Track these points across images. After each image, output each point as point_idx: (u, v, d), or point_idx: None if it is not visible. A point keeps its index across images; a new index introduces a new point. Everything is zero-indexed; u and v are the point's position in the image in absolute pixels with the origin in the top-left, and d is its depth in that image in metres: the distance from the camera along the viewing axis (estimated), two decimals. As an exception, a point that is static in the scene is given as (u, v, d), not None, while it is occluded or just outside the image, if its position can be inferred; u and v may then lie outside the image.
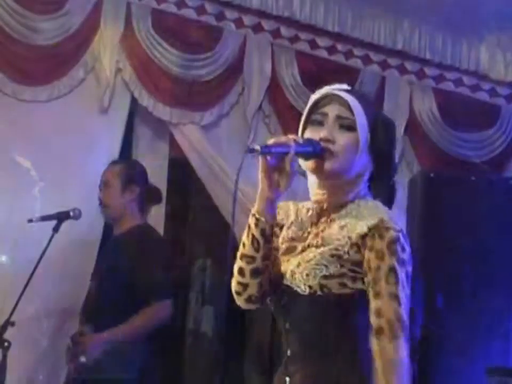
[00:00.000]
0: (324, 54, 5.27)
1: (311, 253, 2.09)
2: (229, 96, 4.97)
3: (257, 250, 2.08)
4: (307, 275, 2.06)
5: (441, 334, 4.55)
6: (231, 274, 2.15)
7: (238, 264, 2.12)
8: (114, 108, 4.65)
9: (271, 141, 2.05)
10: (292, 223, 2.21)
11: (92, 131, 4.60)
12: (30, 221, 3.94)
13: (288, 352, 2.12)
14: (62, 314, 4.32)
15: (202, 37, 4.91)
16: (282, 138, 2.07)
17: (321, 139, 2.08)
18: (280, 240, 2.19)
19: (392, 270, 2.04)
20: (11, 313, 3.76)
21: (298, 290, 2.07)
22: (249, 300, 2.15)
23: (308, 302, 2.07)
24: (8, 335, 3.71)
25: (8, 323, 3.72)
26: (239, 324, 5.16)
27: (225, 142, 4.98)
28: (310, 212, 2.19)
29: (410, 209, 5.00)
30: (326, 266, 2.05)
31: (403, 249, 2.06)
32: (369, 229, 2.06)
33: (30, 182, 4.38)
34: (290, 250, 2.15)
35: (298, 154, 2.06)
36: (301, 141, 2.07)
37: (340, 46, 5.32)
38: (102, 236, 4.46)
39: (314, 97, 2.17)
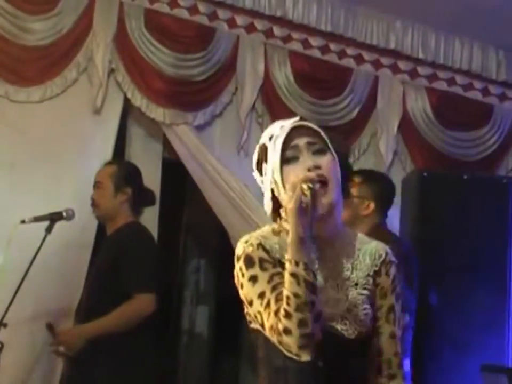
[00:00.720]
0: (316, 53, 5.28)
1: (353, 298, 2.12)
2: (222, 96, 4.97)
3: (314, 292, 1.99)
4: (361, 321, 2.10)
5: (435, 331, 4.56)
6: (288, 332, 2.00)
7: (296, 317, 1.97)
8: (107, 108, 4.64)
9: (304, 179, 2.06)
10: None
11: (85, 131, 4.59)
12: (23, 221, 3.93)
13: None
14: (55, 315, 4.30)
15: (195, 37, 4.90)
16: (307, 174, 2.08)
17: (310, 168, 2.09)
18: None
19: (391, 309, 2.18)
20: (4, 315, 3.75)
21: (346, 334, 2.09)
22: (315, 346, 2.02)
23: (347, 343, 2.09)
24: (1, 336, 3.70)
25: (1, 324, 3.71)
26: (233, 324, 5.15)
27: (219, 142, 4.98)
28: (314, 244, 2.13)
29: (403, 208, 5.02)
30: (369, 309, 2.13)
31: (399, 281, 2.21)
32: (380, 265, 2.18)
33: (23, 183, 4.37)
34: (321, 289, 2.08)
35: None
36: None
37: (332, 46, 5.33)
38: (95, 237, 4.45)
39: (281, 135, 2.14)
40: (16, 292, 3.83)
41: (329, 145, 2.14)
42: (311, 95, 5.14)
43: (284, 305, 1.98)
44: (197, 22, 4.91)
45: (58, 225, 3.97)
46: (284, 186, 2.11)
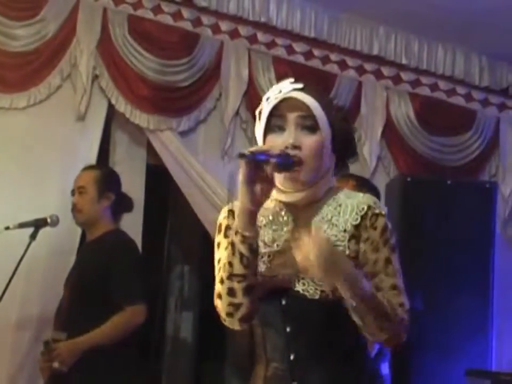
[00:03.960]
0: (300, 59, 5.29)
1: None
2: (206, 102, 4.97)
3: (247, 267, 1.98)
4: (320, 280, 2.02)
5: (420, 336, 4.57)
6: (219, 296, 2.05)
7: (226, 285, 2.01)
8: (91, 114, 4.63)
9: (252, 148, 1.98)
10: (266, 224, 2.14)
11: (69, 138, 4.58)
12: (7, 228, 3.92)
13: (292, 357, 2.06)
14: (39, 322, 4.29)
15: (179, 43, 4.91)
16: (264, 147, 2.03)
17: (288, 146, 2.04)
18: (260, 243, 2.08)
19: (388, 261, 2.08)
20: (-12, 321, 3.74)
21: (306, 294, 2.04)
22: (242, 319, 2.05)
23: (316, 305, 2.04)
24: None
25: (-15, 331, 3.70)
26: (218, 329, 5.15)
27: (203, 148, 4.98)
28: (284, 212, 2.13)
29: (387, 212, 5.02)
30: None
31: (391, 233, 2.11)
32: (362, 218, 2.07)
33: (7, 189, 4.36)
34: (281, 253, 2.08)
35: (278, 164, 2.00)
36: (276, 152, 2.00)
37: (316, 52, 5.34)
38: (79, 243, 4.44)
39: (271, 103, 2.10)
40: (0, 298, 3.81)
41: (320, 124, 2.07)
42: (295, 101, 5.15)
43: (221, 271, 2.02)
44: (181, 28, 4.92)
45: (43, 231, 3.96)
46: None
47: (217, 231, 2.17)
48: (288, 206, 2.12)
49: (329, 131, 2.10)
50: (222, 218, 2.17)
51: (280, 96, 2.09)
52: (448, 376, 4.58)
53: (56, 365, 3.74)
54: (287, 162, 2.01)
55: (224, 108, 5.00)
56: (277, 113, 2.09)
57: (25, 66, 4.51)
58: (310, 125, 2.07)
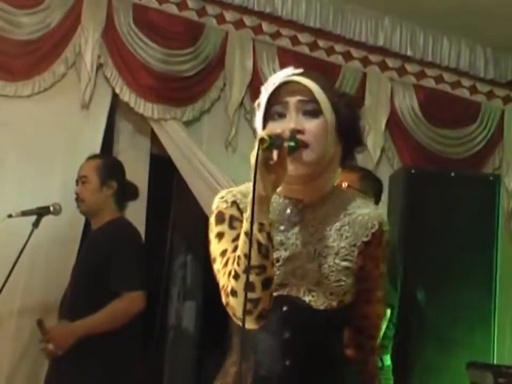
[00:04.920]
0: (305, 50, 5.29)
1: (327, 268, 1.99)
2: (211, 92, 4.97)
3: (266, 257, 1.87)
4: (331, 294, 1.98)
5: (422, 329, 4.58)
6: (234, 294, 1.91)
7: (243, 279, 1.86)
8: (96, 103, 4.63)
9: (266, 132, 1.87)
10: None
11: (73, 126, 4.58)
12: (10, 216, 3.92)
13: (287, 362, 1.99)
14: (42, 310, 4.30)
15: (184, 33, 4.90)
16: (276, 130, 1.89)
17: (290, 131, 1.93)
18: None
19: (383, 276, 2.11)
20: (-10, 309, 3.75)
21: (315, 306, 1.98)
22: (260, 316, 1.91)
23: (319, 314, 2.00)
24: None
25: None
26: (220, 319, 5.16)
27: (207, 137, 4.98)
28: (290, 210, 2.04)
29: (391, 205, 5.02)
30: (344, 281, 2.00)
31: (388, 244, 2.10)
32: (372, 235, 2.04)
33: (10, 177, 4.36)
34: (290, 259, 2.00)
35: (289, 147, 1.91)
36: (287, 134, 1.91)
37: (321, 42, 5.33)
38: (82, 232, 4.45)
39: (270, 88, 2.01)
40: (2, 286, 3.82)
41: (322, 108, 1.97)
42: (300, 92, 5.15)
43: (235, 265, 1.89)
44: (185, 18, 4.91)
45: (45, 219, 3.97)
46: None
47: (215, 220, 2.04)
48: (295, 204, 2.03)
49: (332, 116, 1.99)
50: (224, 207, 2.04)
51: (279, 81, 2.00)
52: (449, 368, 4.58)
53: (51, 347, 3.74)
54: (295, 145, 1.92)
55: (229, 98, 4.99)
56: (276, 99, 2.00)
57: (29, 55, 4.50)
58: (312, 109, 1.97)
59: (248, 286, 1.86)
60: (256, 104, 2.07)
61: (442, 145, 5.66)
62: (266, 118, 2.02)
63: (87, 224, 4.34)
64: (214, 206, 2.07)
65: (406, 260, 4.34)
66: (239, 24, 5.08)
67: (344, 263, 2.00)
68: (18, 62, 4.51)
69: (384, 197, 4.66)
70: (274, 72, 5.19)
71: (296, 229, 2.02)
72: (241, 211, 2.01)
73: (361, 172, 4.10)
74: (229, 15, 5.04)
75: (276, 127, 1.95)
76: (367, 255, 2.04)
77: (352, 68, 5.44)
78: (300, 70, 2.04)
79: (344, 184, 3.88)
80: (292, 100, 1.98)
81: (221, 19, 5.03)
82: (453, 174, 5.01)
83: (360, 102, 5.32)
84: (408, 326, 4.30)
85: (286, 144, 1.87)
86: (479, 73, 5.83)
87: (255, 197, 1.86)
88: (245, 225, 1.88)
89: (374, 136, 5.44)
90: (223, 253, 1.98)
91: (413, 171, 5.00)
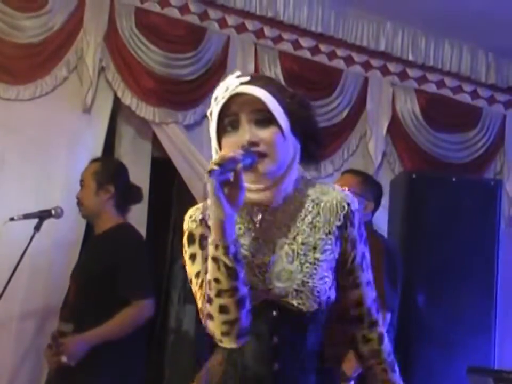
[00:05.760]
0: (307, 54, 5.30)
1: (310, 267, 1.97)
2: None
3: (236, 278, 1.87)
4: (318, 292, 1.96)
5: (423, 333, 4.58)
6: (210, 317, 1.91)
7: (216, 303, 1.88)
8: (97, 106, 4.64)
9: (217, 158, 1.86)
10: (245, 232, 2.03)
11: (75, 130, 4.59)
12: (12, 219, 3.92)
13: (276, 366, 1.99)
14: (43, 313, 4.30)
15: (186, 37, 4.91)
16: (229, 153, 1.87)
17: (246, 143, 1.93)
18: (245, 252, 1.99)
19: (364, 256, 2.07)
20: (-9, 312, 3.75)
21: (303, 307, 1.97)
22: (239, 335, 1.92)
23: (309, 317, 1.99)
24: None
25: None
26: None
27: (208, 141, 4.91)
28: (260, 216, 2.02)
29: (392, 209, 5.04)
30: (327, 277, 1.99)
31: (363, 224, 2.08)
32: (344, 218, 2.02)
33: (12, 180, 4.37)
34: (268, 264, 1.98)
35: (244, 166, 1.89)
36: (240, 154, 1.89)
37: (323, 47, 5.34)
38: (84, 235, 4.45)
39: (219, 103, 1.99)
40: (4, 290, 3.82)
41: (275, 115, 1.94)
42: (301, 96, 5.15)
43: (207, 289, 1.89)
44: (187, 22, 4.92)
45: (47, 223, 3.97)
46: None
47: (186, 241, 2.03)
48: (264, 209, 2.01)
49: (286, 120, 1.97)
50: (194, 227, 2.02)
51: (227, 94, 1.96)
52: (450, 373, 4.58)
53: (64, 359, 3.72)
54: (252, 160, 1.91)
55: (230, 102, 4.99)
56: (227, 112, 1.97)
57: (31, 58, 4.51)
58: (265, 118, 1.95)
59: (222, 309, 1.88)
60: (208, 113, 2.05)
61: (444, 150, 5.66)
62: (219, 131, 2.00)
63: (88, 228, 4.34)
64: (185, 226, 2.06)
65: (407, 263, 4.34)
66: (241, 28, 5.09)
67: (324, 256, 1.99)
68: (20, 65, 4.51)
69: (385, 201, 4.68)
70: (276, 76, 5.25)
71: (270, 233, 2.02)
72: (209, 226, 1.95)
73: (361, 175, 4.12)
74: (230, 19, 5.05)
75: (230, 141, 1.96)
76: (342, 238, 2.02)
77: (354, 73, 5.45)
78: (247, 78, 1.99)
79: (344, 189, 3.89)
80: (243, 112, 1.96)
81: (222, 23, 5.03)
82: (454, 179, 5.02)
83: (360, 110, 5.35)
84: (409, 330, 4.30)
85: (240, 165, 1.86)
86: (480, 78, 5.84)
87: (214, 222, 1.86)
88: (211, 250, 1.88)
89: (375, 141, 5.45)
90: (197, 275, 1.99)
91: (414, 176, 5.00)
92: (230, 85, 1.99)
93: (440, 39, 5.67)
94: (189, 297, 6.13)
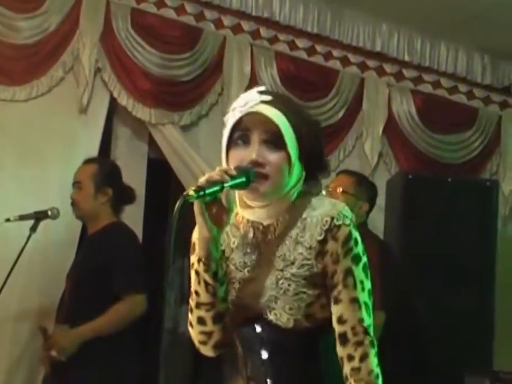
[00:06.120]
0: (303, 55, 5.30)
1: (284, 282, 1.96)
2: (208, 97, 4.97)
3: (213, 295, 1.95)
4: (290, 309, 1.95)
5: (420, 334, 4.58)
6: (191, 325, 2.05)
7: (195, 314, 2.01)
8: (93, 107, 4.63)
9: (203, 180, 1.88)
10: (237, 246, 2.05)
11: (71, 131, 4.58)
12: (8, 220, 3.91)
13: (269, 382, 2.01)
14: (39, 314, 4.29)
15: (182, 37, 4.91)
16: (215, 175, 1.89)
17: (251, 162, 1.94)
18: (232, 267, 2.03)
19: (348, 272, 1.96)
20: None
21: (280, 324, 1.96)
22: (216, 346, 2.04)
23: (291, 334, 1.97)
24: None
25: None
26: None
27: (204, 142, 4.98)
28: (252, 232, 2.03)
29: (388, 210, 5.04)
30: (304, 293, 1.96)
31: (356, 242, 1.98)
32: (326, 232, 1.96)
33: (8, 181, 4.36)
34: (251, 280, 2.00)
35: (232, 187, 1.92)
36: (233, 172, 1.91)
37: (319, 47, 5.35)
38: (80, 236, 4.44)
39: (236, 115, 1.99)
40: (0, 290, 3.81)
41: (286, 141, 1.94)
42: (297, 97, 5.13)
43: (190, 299, 2.01)
44: (183, 22, 4.92)
45: (43, 224, 3.96)
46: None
47: (191, 250, 2.09)
48: (257, 226, 2.02)
49: (296, 148, 1.97)
50: (194, 237, 2.06)
51: (245, 110, 1.97)
52: (448, 373, 4.58)
53: (54, 353, 3.72)
54: (246, 180, 1.92)
55: (226, 102, 4.98)
56: (240, 126, 1.98)
57: (27, 59, 4.50)
58: (276, 141, 1.95)
59: (200, 320, 2.01)
60: (225, 119, 2.06)
61: (440, 151, 5.67)
62: (230, 143, 2.01)
63: (85, 229, 4.33)
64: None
65: (404, 264, 4.35)
66: (237, 29, 5.09)
67: (301, 270, 1.96)
68: (16, 66, 4.50)
69: (381, 202, 4.68)
70: (272, 77, 5.27)
71: (259, 250, 2.02)
72: None
73: (356, 176, 4.13)
74: (226, 20, 5.05)
75: (238, 155, 1.97)
76: (325, 253, 1.97)
77: (350, 73, 5.45)
78: (268, 97, 1.99)
79: (339, 189, 3.89)
80: (256, 130, 1.97)
81: (218, 24, 5.03)
82: (450, 179, 5.03)
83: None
84: (406, 330, 4.30)
85: (227, 186, 1.89)
86: (476, 78, 5.84)
87: (200, 237, 1.94)
88: (195, 263, 1.97)
89: (372, 141, 5.46)
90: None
91: (410, 176, 5.01)
92: (250, 100, 1.99)
93: (436, 39, 5.68)
94: (185, 299, 6.12)
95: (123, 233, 3.97)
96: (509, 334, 5.29)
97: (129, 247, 3.93)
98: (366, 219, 4.09)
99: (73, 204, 4.01)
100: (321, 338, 2.00)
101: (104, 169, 4.03)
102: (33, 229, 3.91)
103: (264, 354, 2.01)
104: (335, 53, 5.41)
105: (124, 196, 4.07)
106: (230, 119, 2.02)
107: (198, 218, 1.92)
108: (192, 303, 2.00)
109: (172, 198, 5.49)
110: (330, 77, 5.35)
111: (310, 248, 1.97)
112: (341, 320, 1.96)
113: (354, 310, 1.96)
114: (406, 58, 5.61)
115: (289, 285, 1.96)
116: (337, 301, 1.96)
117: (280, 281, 1.97)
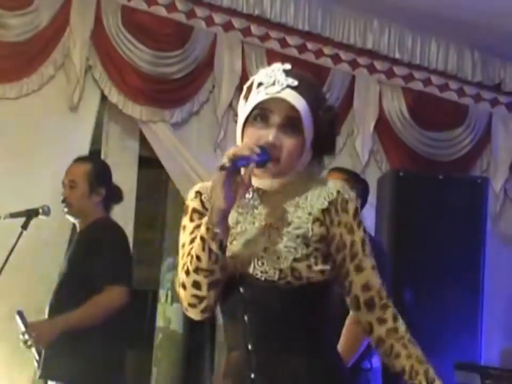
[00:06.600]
0: (294, 52, 5.30)
1: (276, 236, 2.02)
2: (199, 94, 4.97)
3: (215, 262, 1.97)
4: (278, 258, 1.99)
5: (410, 330, 4.58)
6: (183, 286, 2.03)
7: (192, 277, 2.00)
8: (84, 105, 4.63)
9: (231, 153, 1.92)
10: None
11: (61, 128, 4.57)
12: (-1, 217, 3.91)
13: (249, 346, 2.03)
14: (31, 312, 4.28)
15: (173, 35, 4.91)
16: (244, 150, 1.94)
17: (267, 144, 1.99)
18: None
19: (364, 242, 2.07)
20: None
21: (265, 276, 2.00)
22: (204, 310, 2.04)
23: (274, 292, 2.01)
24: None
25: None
26: (208, 321, 5.16)
27: (195, 140, 4.98)
28: (251, 193, 2.07)
29: (379, 207, 5.05)
30: (295, 248, 2.00)
31: (361, 217, 2.10)
32: (330, 203, 2.04)
33: (-1, 179, 4.36)
34: (243, 234, 2.04)
35: (256, 164, 1.97)
36: (258, 150, 1.96)
37: (310, 45, 5.35)
38: (71, 233, 4.44)
39: (260, 94, 2.02)
40: (-9, 288, 3.80)
41: (304, 127, 2.00)
42: (288, 94, 5.16)
43: (187, 262, 2.01)
44: (174, 20, 4.92)
45: (34, 221, 3.95)
46: (242, 141, 2.05)
47: (184, 211, 2.14)
48: (258, 191, 2.08)
49: (311, 133, 2.04)
50: (190, 199, 2.14)
51: (271, 94, 2.01)
52: (437, 369, 4.59)
53: (31, 339, 3.71)
54: (265, 159, 1.97)
55: (217, 100, 5.00)
56: (262, 106, 2.02)
57: (18, 56, 4.50)
58: (294, 127, 2.01)
59: (195, 284, 2.00)
60: (245, 87, 2.10)
61: (430, 148, 5.68)
62: (248, 118, 2.04)
63: (75, 226, 4.32)
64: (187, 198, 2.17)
65: (394, 261, 4.36)
66: (227, 27, 5.09)
67: (296, 231, 2.02)
68: (6, 64, 4.50)
69: (372, 199, 4.68)
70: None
71: (256, 210, 2.07)
72: (202, 201, 2.10)
73: (347, 173, 4.12)
74: (217, 18, 5.05)
75: (255, 133, 2.01)
76: (329, 222, 2.04)
77: (341, 71, 5.46)
78: (295, 83, 2.03)
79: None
80: (277, 114, 2.02)
81: (209, 21, 5.03)
82: (440, 177, 5.04)
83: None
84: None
85: (252, 165, 1.94)
86: (466, 76, 5.86)
87: (214, 208, 1.95)
88: (202, 229, 1.97)
89: (362, 139, 5.46)
90: (183, 245, 2.10)
91: (401, 174, 5.02)
92: (278, 80, 2.04)
93: (426, 37, 5.69)
94: (176, 297, 6.13)
95: (108, 227, 3.96)
96: (498, 330, 5.32)
97: (113, 239, 3.90)
98: None
99: (66, 202, 3.99)
100: (305, 303, 2.03)
101: (97, 169, 4.02)
102: (24, 226, 3.89)
103: (246, 317, 2.03)
104: (326, 50, 5.42)
105: (114, 195, 4.07)
106: (254, 94, 2.05)
107: (218, 188, 1.93)
108: (190, 266, 1.99)
109: (163, 196, 5.50)
110: (322, 74, 5.35)
111: (310, 214, 2.04)
112: (367, 287, 2.05)
113: (377, 277, 2.07)
114: (397, 55, 5.62)
115: (281, 238, 2.01)
116: (360, 269, 2.05)
117: (273, 235, 2.02)
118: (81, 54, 4.60)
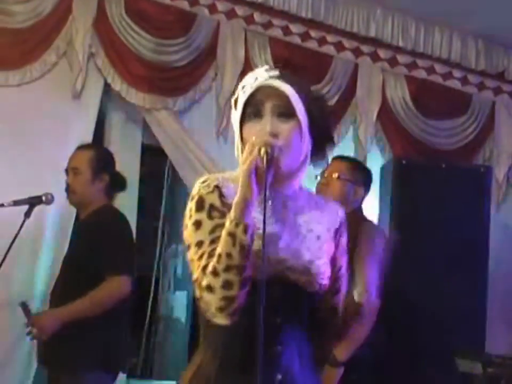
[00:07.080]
0: (297, 40, 5.28)
1: (315, 249, 2.08)
2: (202, 82, 4.97)
3: (247, 257, 1.91)
4: (321, 273, 2.06)
5: (413, 317, 4.59)
6: (211, 290, 1.93)
7: (222, 277, 1.91)
8: (87, 93, 4.63)
9: (266, 143, 1.97)
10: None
11: (65, 116, 4.57)
12: (2, 205, 3.90)
13: (279, 348, 2.01)
14: (34, 300, 4.29)
15: (176, 22, 4.89)
16: (272, 142, 2.00)
17: (268, 134, 2.01)
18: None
19: (347, 268, 2.21)
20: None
21: (308, 287, 2.05)
22: (234, 313, 1.94)
23: (305, 294, 2.06)
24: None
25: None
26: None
27: (198, 127, 4.98)
28: (270, 194, 2.03)
29: (382, 195, 5.04)
30: (319, 258, 2.08)
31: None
32: (340, 224, 2.17)
33: (2, 167, 4.35)
34: (270, 238, 1.99)
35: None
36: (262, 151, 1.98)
37: (313, 33, 5.33)
38: (74, 221, 4.44)
39: (247, 91, 2.08)
40: (-6, 275, 3.80)
41: (297, 110, 2.04)
42: (291, 82, 5.15)
43: (214, 262, 1.92)
44: (177, 7, 4.90)
45: (37, 209, 3.95)
46: (242, 141, 2.08)
47: (195, 206, 2.06)
48: (274, 193, 2.07)
49: (306, 117, 2.07)
50: (206, 193, 2.06)
51: (256, 85, 2.07)
52: (439, 357, 4.60)
53: (35, 331, 3.72)
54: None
55: (220, 88, 4.99)
56: (252, 101, 2.06)
57: (20, 44, 4.49)
58: (287, 112, 2.05)
59: (226, 284, 1.91)
60: (232, 100, 2.14)
61: (433, 136, 5.67)
62: (242, 118, 2.08)
63: (78, 214, 4.32)
64: (194, 191, 2.09)
65: (397, 250, 4.35)
66: (230, 14, 5.08)
67: (325, 246, 2.11)
68: (8, 51, 4.49)
69: (375, 187, 4.68)
70: (266, 62, 5.25)
71: (279, 212, 2.09)
72: (223, 196, 2.04)
73: (350, 161, 4.12)
74: (220, 5, 5.03)
75: (253, 128, 2.05)
76: (336, 243, 2.16)
77: (344, 59, 5.44)
78: (276, 73, 2.09)
79: (335, 175, 3.89)
80: (268, 103, 2.06)
81: (212, 9, 5.02)
82: (443, 165, 5.03)
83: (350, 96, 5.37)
84: (399, 316, 4.31)
85: (276, 152, 1.98)
86: (470, 64, 5.84)
87: (241, 201, 1.94)
88: (228, 226, 1.93)
89: (365, 127, 5.45)
90: (199, 244, 2.00)
91: (404, 162, 5.01)
92: (260, 76, 2.09)
93: (430, 25, 5.67)
94: (179, 284, 6.13)
95: (112, 215, 3.95)
96: (501, 318, 5.32)
97: (117, 228, 3.90)
98: (361, 204, 4.09)
99: (69, 189, 3.99)
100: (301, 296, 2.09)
101: (100, 155, 4.02)
102: (27, 214, 3.89)
103: (278, 319, 2.02)
104: (329, 38, 5.40)
105: (118, 182, 4.07)
106: (241, 95, 2.09)
107: (246, 178, 1.93)
108: (218, 266, 1.91)
109: (166, 183, 5.50)
110: (325, 63, 5.34)
111: (329, 230, 2.14)
112: (335, 311, 2.20)
113: (342, 302, 2.23)
114: (400, 43, 5.60)
115: (319, 254, 2.08)
116: (337, 292, 2.18)
117: (312, 247, 2.08)
118: (84, 41, 4.59)
